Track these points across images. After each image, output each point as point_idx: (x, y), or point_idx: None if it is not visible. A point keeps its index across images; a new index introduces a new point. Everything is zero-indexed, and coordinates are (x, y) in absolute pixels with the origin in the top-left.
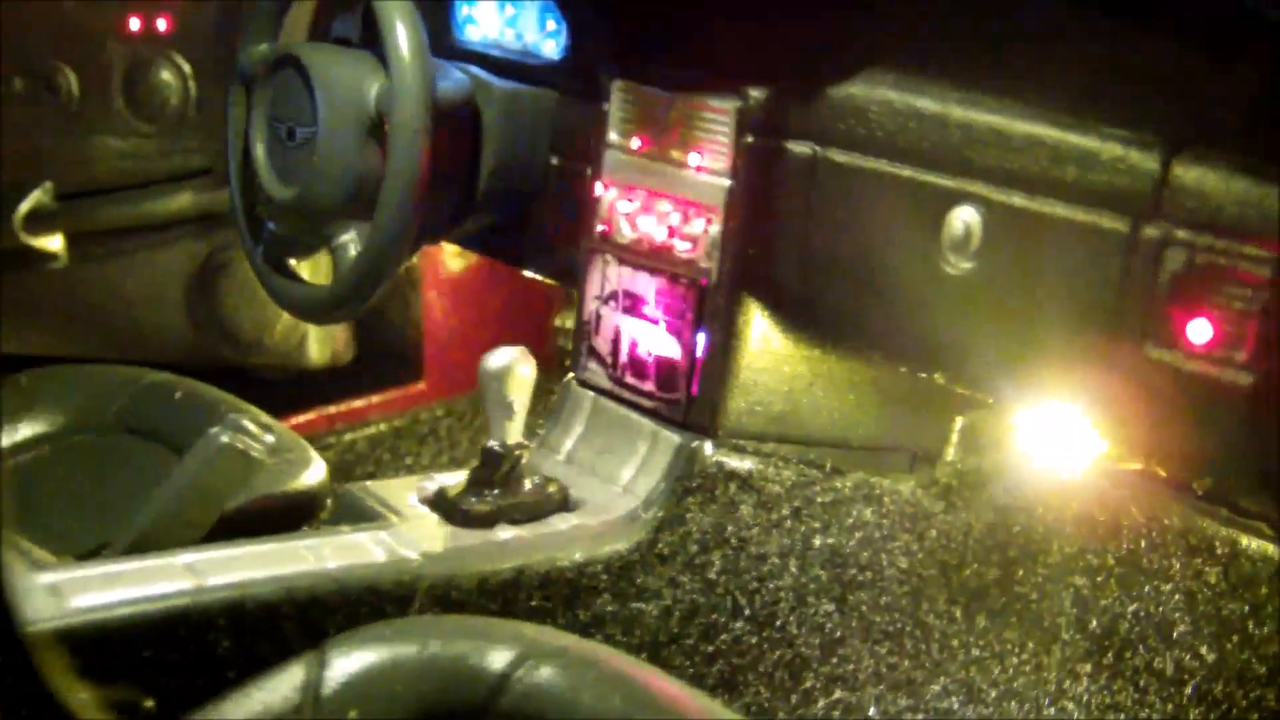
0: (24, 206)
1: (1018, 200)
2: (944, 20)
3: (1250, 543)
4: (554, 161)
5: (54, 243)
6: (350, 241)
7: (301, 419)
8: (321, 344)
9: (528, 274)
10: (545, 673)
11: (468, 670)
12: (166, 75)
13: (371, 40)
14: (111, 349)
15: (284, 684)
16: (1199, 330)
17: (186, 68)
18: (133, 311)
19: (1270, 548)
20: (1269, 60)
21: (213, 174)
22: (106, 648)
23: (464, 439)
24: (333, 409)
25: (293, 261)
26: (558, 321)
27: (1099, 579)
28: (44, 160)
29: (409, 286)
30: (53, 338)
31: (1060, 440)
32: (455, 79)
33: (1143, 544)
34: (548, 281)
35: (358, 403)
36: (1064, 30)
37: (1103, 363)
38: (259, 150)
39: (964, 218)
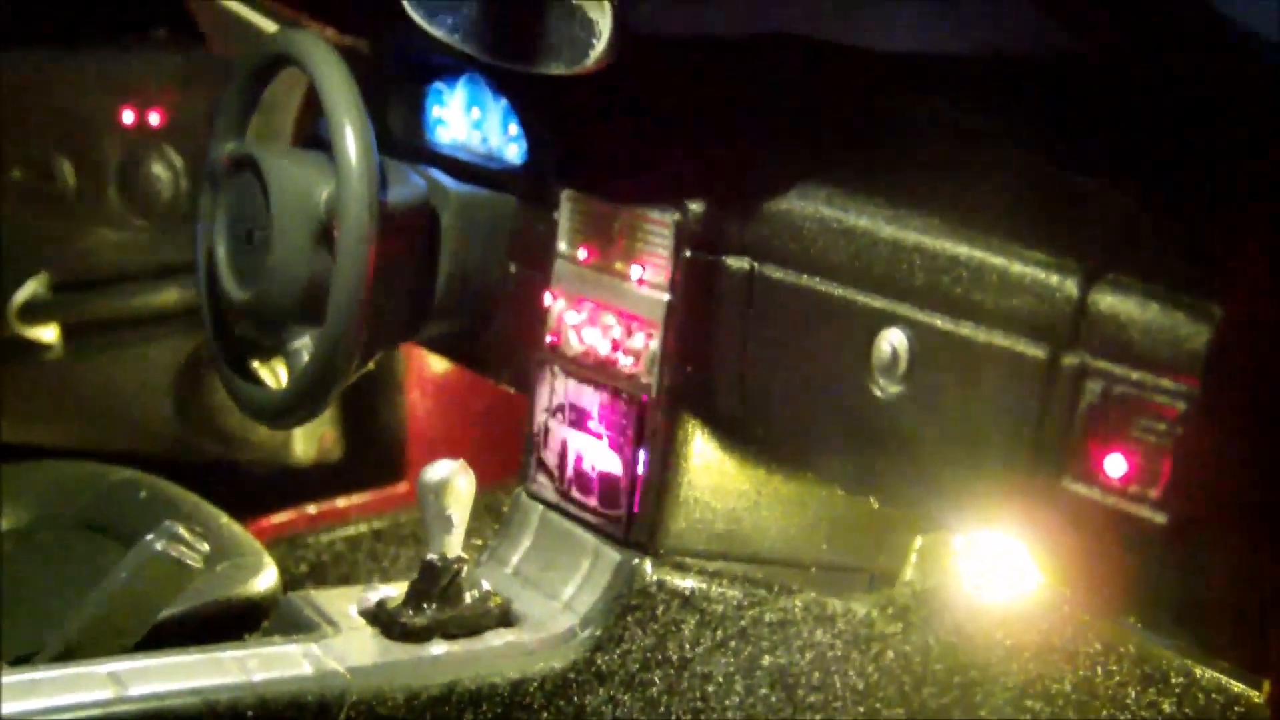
0: (20, 296)
1: (942, 323)
2: (877, 139)
3: (1204, 674)
4: (511, 268)
5: (49, 334)
6: (304, 347)
7: (283, 517)
8: (307, 441)
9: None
10: None
11: None
12: (159, 169)
13: None
14: (101, 440)
15: None
16: (1115, 464)
17: (179, 162)
18: (123, 404)
19: (1224, 680)
20: (1191, 189)
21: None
22: None
23: None
24: (313, 508)
25: (255, 363)
26: None
27: (1057, 705)
28: (40, 250)
29: (393, 387)
30: (44, 427)
31: (1011, 566)
32: (410, 182)
33: (1099, 671)
34: None
35: (340, 502)
36: (993, 152)
37: (1026, 493)
38: (220, 251)
39: (892, 340)
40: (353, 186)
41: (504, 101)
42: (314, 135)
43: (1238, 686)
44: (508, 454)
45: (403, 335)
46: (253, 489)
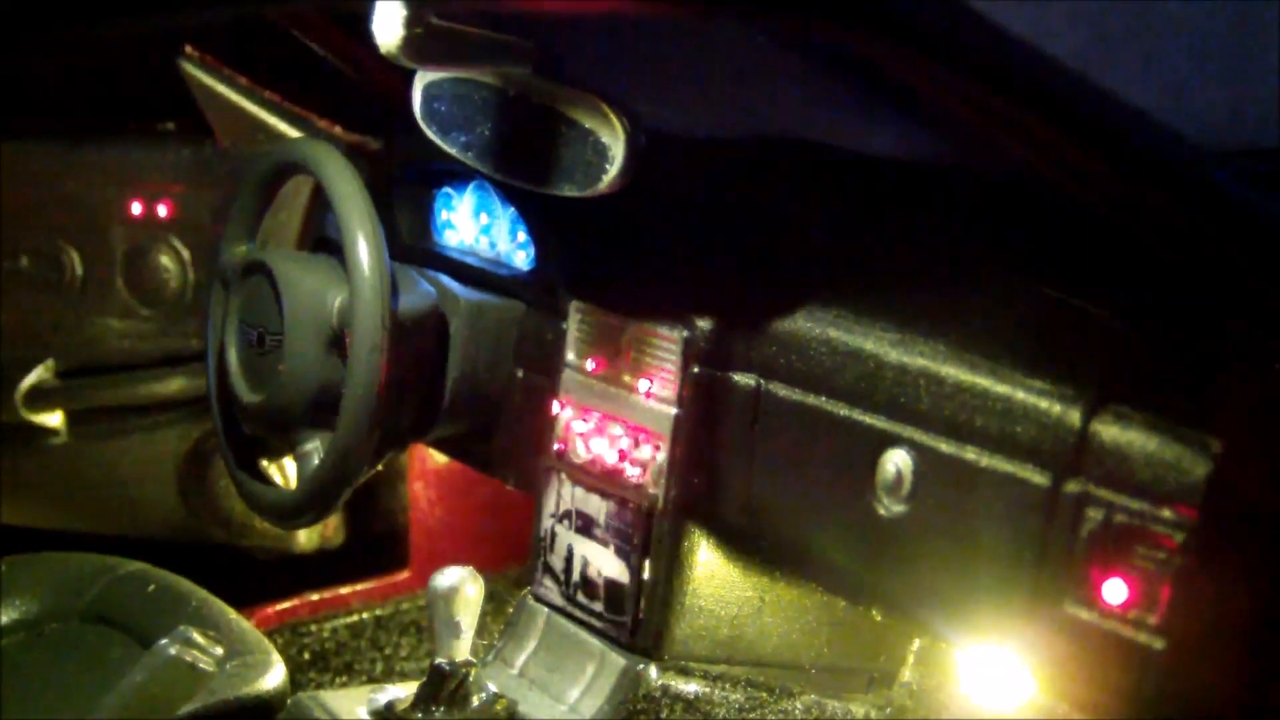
0: (26, 383)
1: (946, 447)
2: (885, 262)
3: None
4: (518, 374)
5: (54, 419)
6: (314, 450)
7: (285, 605)
8: (310, 529)
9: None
10: None
11: None
12: (166, 260)
13: None
14: (106, 525)
15: None
16: (1115, 590)
17: (185, 253)
18: (128, 490)
19: None
20: (1192, 326)
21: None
22: None
23: None
24: (316, 596)
25: (264, 462)
26: None
27: None
28: (46, 338)
29: (396, 477)
30: (49, 511)
31: (1008, 673)
32: (420, 290)
33: None
34: None
35: (343, 589)
36: (997, 278)
37: (1025, 613)
38: (232, 354)
39: (896, 461)
40: (366, 298)
41: (512, 210)
42: (322, 236)
43: None
44: (507, 544)
45: (412, 437)
46: (256, 575)
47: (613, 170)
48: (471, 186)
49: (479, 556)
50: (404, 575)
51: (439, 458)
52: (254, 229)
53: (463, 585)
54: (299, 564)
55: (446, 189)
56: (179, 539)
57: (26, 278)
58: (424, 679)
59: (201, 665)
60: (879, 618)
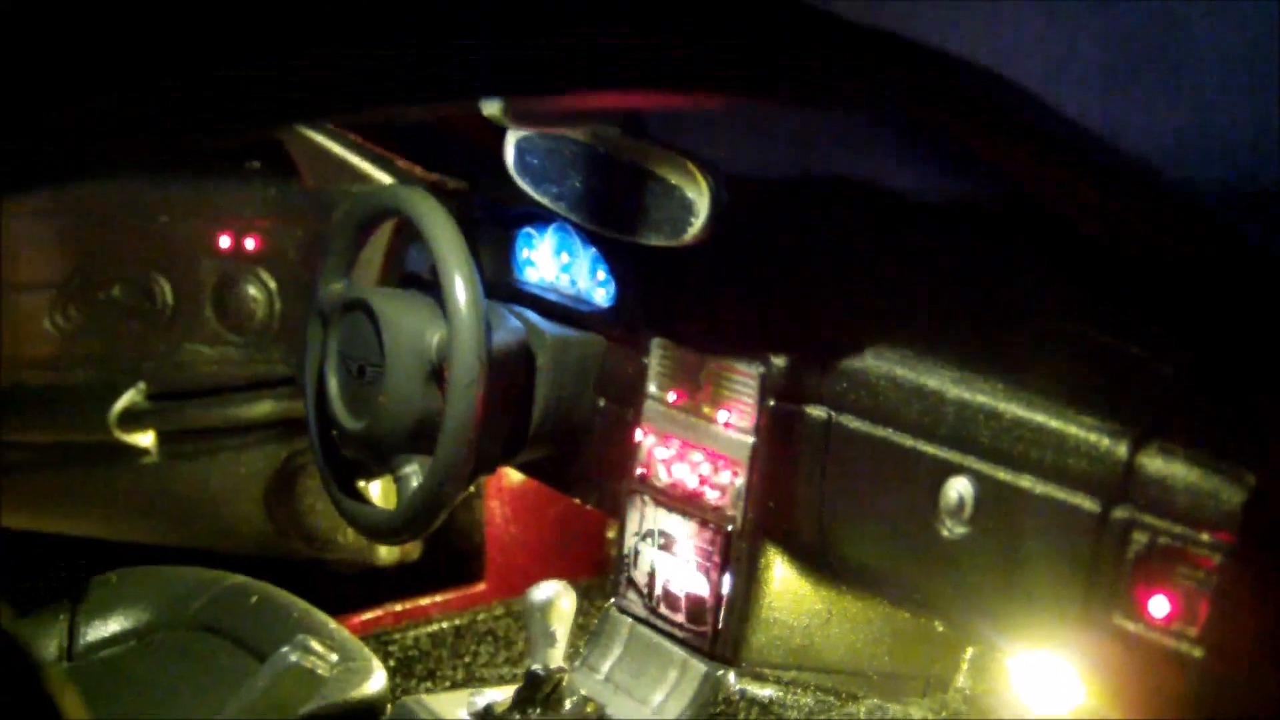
0: (119, 405)
1: (1004, 475)
2: (948, 304)
3: None
4: (600, 403)
5: (145, 439)
6: (413, 473)
7: (370, 615)
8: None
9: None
10: None
11: None
12: (253, 290)
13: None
14: (196, 540)
15: None
16: (1159, 605)
17: (272, 284)
18: (216, 506)
19: None
20: (1232, 366)
21: (294, 383)
22: None
23: (520, 638)
24: (398, 606)
25: (361, 482)
26: (611, 534)
27: None
28: (138, 363)
29: (474, 494)
30: (142, 527)
31: (1058, 681)
32: (510, 326)
33: None
34: None
35: (423, 601)
36: (1050, 321)
37: (1077, 625)
38: (332, 384)
39: (959, 488)
40: (464, 336)
41: (593, 250)
42: (409, 272)
43: None
44: (578, 556)
45: (501, 461)
46: (338, 588)
47: (698, 223)
48: (552, 228)
49: (551, 570)
50: (480, 587)
51: (514, 476)
52: (349, 267)
53: (558, 598)
54: (378, 578)
55: (528, 229)
56: (265, 554)
57: (120, 306)
58: (520, 683)
59: (319, 670)
60: (940, 628)
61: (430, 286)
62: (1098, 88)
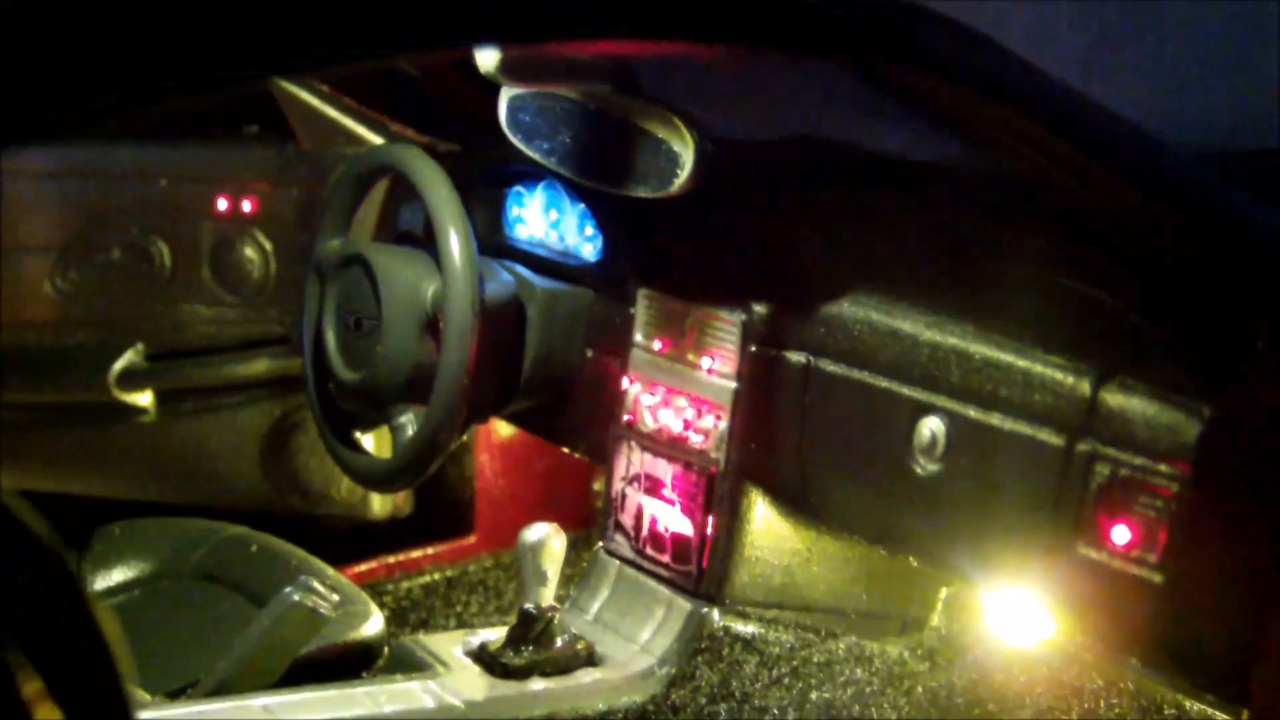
0: (118, 365)
1: (975, 413)
2: (921, 253)
3: (1192, 706)
4: (588, 354)
5: (144, 399)
6: (408, 422)
7: (364, 567)
8: (383, 498)
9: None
10: None
11: None
12: (250, 252)
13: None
14: (193, 496)
15: None
16: (1120, 533)
17: (268, 246)
18: (213, 464)
19: (1210, 711)
20: (1189, 307)
21: (289, 342)
22: None
23: (509, 589)
24: (391, 559)
25: (357, 433)
26: (597, 486)
27: None
28: (137, 323)
29: (463, 449)
30: (141, 484)
31: (1028, 614)
32: (501, 279)
33: (1102, 704)
34: None
35: (414, 553)
36: (1018, 269)
37: (1044, 555)
38: (329, 337)
39: (931, 427)
40: (458, 288)
41: (581, 206)
42: (403, 230)
43: (1221, 717)
44: (565, 509)
45: (492, 411)
46: (333, 541)
47: (683, 175)
48: (541, 185)
49: (538, 520)
50: (471, 539)
51: (502, 430)
52: (346, 225)
53: (549, 539)
54: (372, 531)
55: (518, 188)
56: (261, 508)
57: (119, 268)
58: (513, 622)
59: (322, 610)
60: (915, 564)
61: (424, 243)
62: (1079, 69)
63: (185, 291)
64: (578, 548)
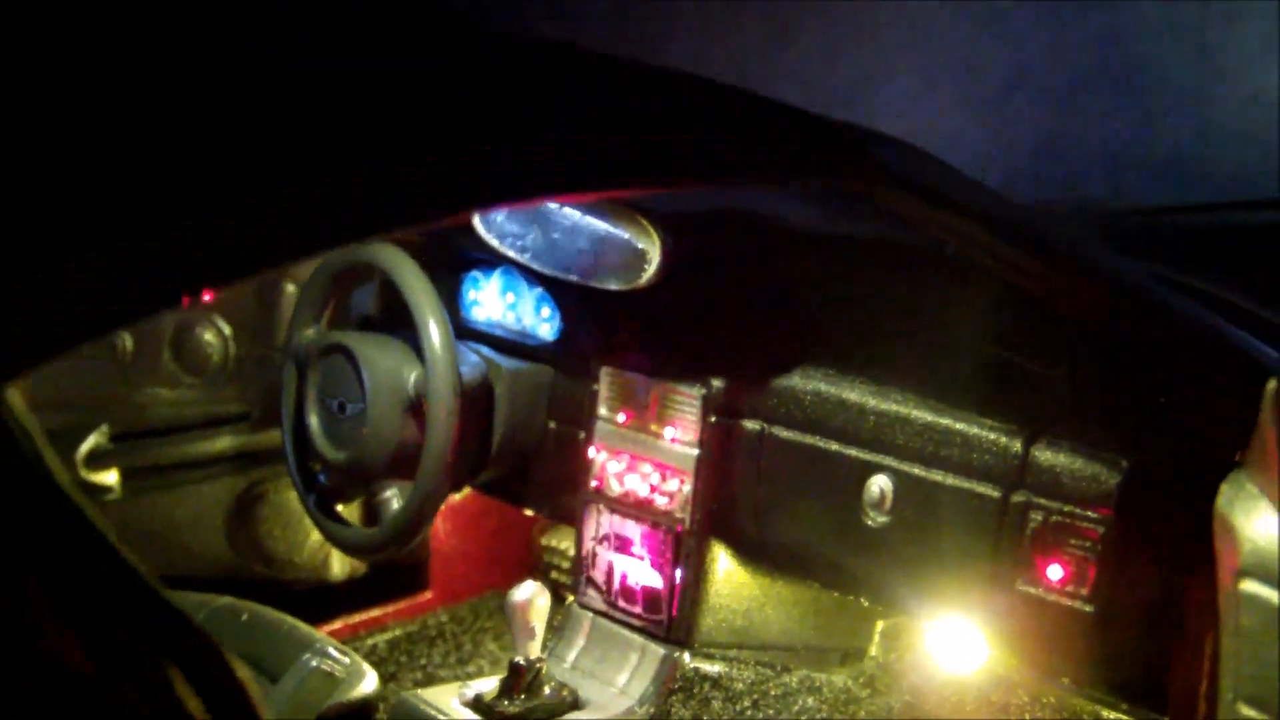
0: (85, 446)
1: (919, 471)
2: (865, 329)
3: (1110, 714)
4: (551, 425)
5: (110, 478)
6: (393, 496)
7: (332, 627)
8: (342, 560)
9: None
10: None
11: None
12: (209, 336)
13: (395, 321)
14: (161, 568)
15: None
16: (1054, 571)
17: (227, 330)
18: (180, 536)
19: (1125, 718)
20: (1102, 371)
21: (249, 419)
22: None
23: (467, 640)
24: (356, 617)
25: (339, 508)
26: (544, 541)
27: None
28: (102, 406)
29: None
30: None
31: (961, 644)
32: (471, 362)
33: (1028, 717)
34: None
35: (375, 611)
36: (954, 341)
37: (987, 591)
38: (313, 420)
39: (879, 484)
40: (441, 374)
41: (539, 290)
42: (362, 315)
43: None
44: (510, 565)
45: (466, 481)
46: (298, 604)
47: (650, 270)
48: (498, 271)
49: (489, 578)
50: (427, 596)
51: (454, 495)
52: (320, 316)
53: (535, 597)
54: (334, 593)
55: (474, 273)
56: (227, 576)
57: (84, 355)
58: (504, 674)
59: (337, 673)
60: (854, 605)
61: (381, 326)
62: (1049, 103)
63: (147, 375)
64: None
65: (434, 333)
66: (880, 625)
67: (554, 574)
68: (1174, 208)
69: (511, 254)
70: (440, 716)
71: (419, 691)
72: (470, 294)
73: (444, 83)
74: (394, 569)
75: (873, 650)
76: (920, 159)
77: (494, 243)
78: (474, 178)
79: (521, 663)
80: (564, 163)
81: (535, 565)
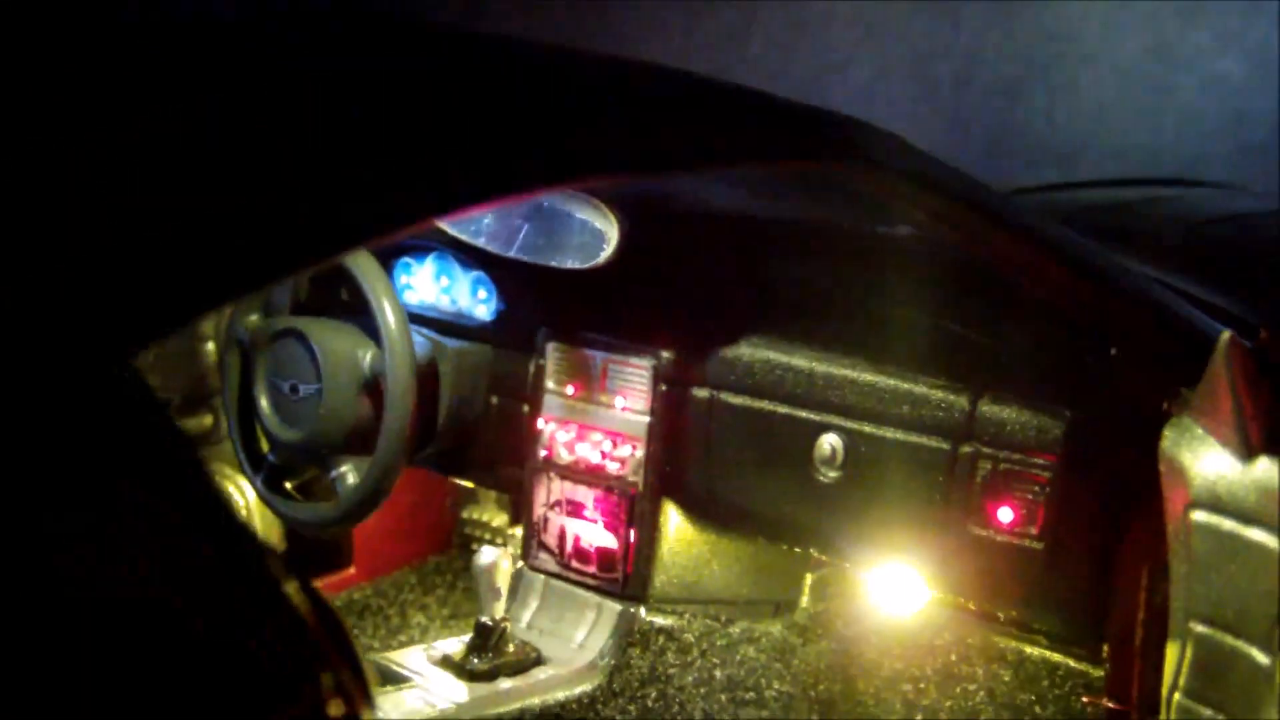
0: None
1: (869, 429)
2: (814, 302)
3: (1033, 651)
4: (494, 400)
5: None
6: (348, 471)
7: None
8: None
9: (460, 482)
10: None
11: None
12: None
13: (331, 304)
14: None
15: None
16: (1005, 514)
17: None
18: None
19: (1047, 653)
20: (1041, 334)
21: (170, 406)
22: None
23: (393, 613)
24: None
25: (288, 484)
26: (465, 514)
27: (921, 685)
28: None
29: None
30: None
31: (894, 589)
32: (421, 344)
33: (953, 657)
34: (454, 482)
35: None
36: (900, 313)
37: (938, 537)
38: (264, 403)
39: (830, 442)
40: (397, 354)
41: (474, 273)
42: (299, 300)
43: (1057, 657)
44: (427, 538)
45: (413, 456)
46: None
47: (608, 250)
48: (432, 256)
49: (409, 551)
50: (350, 571)
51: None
52: (260, 302)
53: (499, 560)
54: None
55: (405, 259)
56: None
57: None
58: (472, 633)
59: None
60: (786, 560)
61: (316, 310)
62: (1002, 95)
63: None
64: (441, 572)
65: (390, 316)
66: (809, 578)
67: (473, 545)
68: (1055, 185)
69: (466, 238)
70: (418, 675)
71: (388, 654)
72: (402, 279)
73: (435, 82)
74: (317, 545)
75: (803, 602)
76: (902, 145)
77: (452, 230)
78: (466, 177)
79: (488, 622)
80: (557, 156)
81: (450, 540)
